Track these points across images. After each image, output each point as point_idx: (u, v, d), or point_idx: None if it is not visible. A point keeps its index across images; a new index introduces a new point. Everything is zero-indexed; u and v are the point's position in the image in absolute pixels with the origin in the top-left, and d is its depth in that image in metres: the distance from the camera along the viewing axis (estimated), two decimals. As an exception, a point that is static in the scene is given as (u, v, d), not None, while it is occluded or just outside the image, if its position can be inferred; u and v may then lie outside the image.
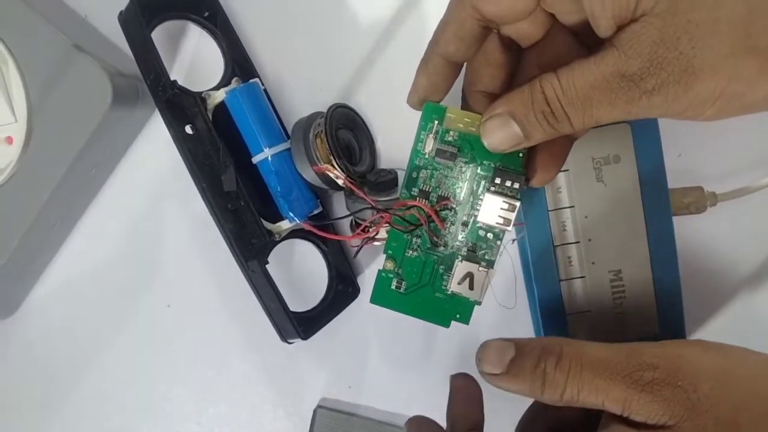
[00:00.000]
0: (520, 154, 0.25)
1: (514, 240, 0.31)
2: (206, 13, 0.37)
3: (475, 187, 0.26)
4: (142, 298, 0.42)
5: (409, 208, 0.26)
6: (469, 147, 0.25)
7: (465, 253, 0.26)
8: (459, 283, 0.26)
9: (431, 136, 0.25)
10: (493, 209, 0.25)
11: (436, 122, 0.25)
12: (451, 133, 0.25)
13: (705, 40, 0.19)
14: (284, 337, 0.37)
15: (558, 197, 0.28)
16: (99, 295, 0.42)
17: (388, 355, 0.40)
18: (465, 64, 0.26)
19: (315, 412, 0.40)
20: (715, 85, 0.20)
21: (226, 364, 0.41)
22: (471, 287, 0.26)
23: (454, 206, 0.26)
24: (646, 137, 0.27)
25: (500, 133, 0.23)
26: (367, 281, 0.40)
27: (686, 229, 0.32)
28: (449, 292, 0.27)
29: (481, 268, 0.26)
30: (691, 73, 0.20)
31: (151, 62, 0.33)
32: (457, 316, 0.27)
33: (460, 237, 0.26)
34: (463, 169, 0.26)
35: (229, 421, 0.42)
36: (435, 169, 0.26)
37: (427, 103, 0.25)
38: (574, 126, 0.22)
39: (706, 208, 0.32)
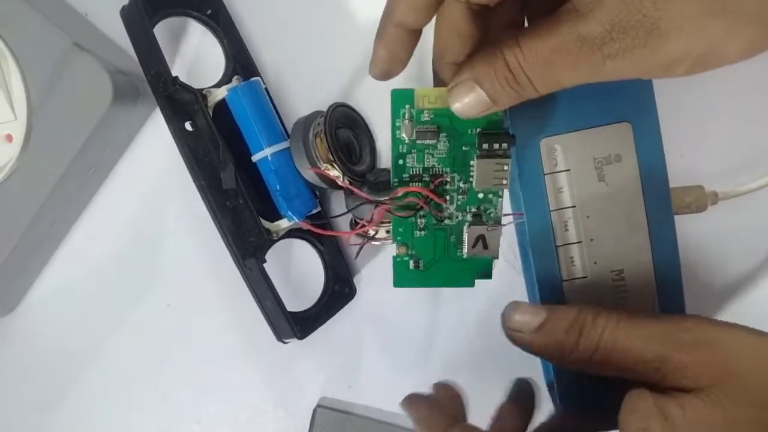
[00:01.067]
0: (501, 115, 0.25)
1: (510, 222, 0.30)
2: (209, 11, 0.37)
3: (464, 157, 0.26)
4: (142, 297, 0.42)
5: (405, 195, 0.26)
6: (447, 121, 0.25)
7: (471, 218, 0.27)
8: (473, 247, 0.26)
9: (406, 121, 0.25)
10: (486, 173, 0.25)
11: (408, 106, 0.25)
12: (426, 112, 0.25)
13: (670, 2, 0.19)
14: (280, 336, 0.36)
15: (559, 197, 0.28)
16: (98, 294, 0.42)
17: (388, 355, 0.40)
18: (434, 34, 0.25)
19: (315, 411, 0.40)
20: (683, 47, 0.19)
21: (226, 364, 0.41)
22: (485, 247, 0.26)
23: (448, 180, 0.26)
24: (647, 136, 0.26)
25: (467, 100, 0.23)
26: (364, 282, 0.40)
27: (686, 227, 0.32)
28: (465, 256, 0.27)
29: (490, 228, 0.26)
30: (657, 36, 0.19)
31: (152, 58, 0.33)
32: (479, 273, 0.27)
33: (460, 205, 0.27)
34: (448, 143, 0.26)
35: (229, 421, 0.42)
36: (420, 150, 0.26)
37: (393, 90, 0.25)
38: (539, 91, 0.22)
39: (707, 207, 0.32)
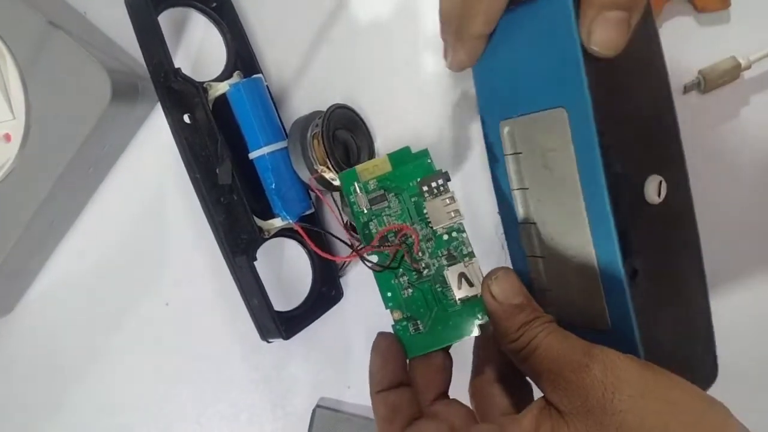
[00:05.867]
0: (429, 160, 0.28)
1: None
2: (213, 3, 0.37)
3: (416, 207, 0.28)
4: (140, 296, 0.41)
5: (383, 239, 0.28)
6: (389, 182, 0.28)
7: (446, 261, 0.28)
8: (459, 288, 0.27)
9: (359, 195, 0.28)
10: (438, 212, 0.27)
11: (355, 182, 0.28)
12: (371, 182, 0.28)
13: None
14: (264, 335, 0.36)
15: (517, 178, 0.28)
16: (97, 294, 0.42)
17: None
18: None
19: (314, 412, 0.40)
20: None
21: (225, 364, 0.41)
22: (470, 284, 0.27)
23: (409, 232, 0.28)
24: (581, 124, 0.25)
25: None
26: (351, 285, 0.40)
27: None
28: (458, 302, 0.28)
29: (466, 263, 0.27)
30: None
31: (155, 47, 0.33)
32: (479, 316, 0.27)
33: (431, 252, 0.28)
34: (397, 200, 0.28)
35: (229, 421, 0.42)
36: (377, 215, 0.28)
37: (339, 174, 0.29)
38: None
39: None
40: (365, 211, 0.28)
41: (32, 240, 0.39)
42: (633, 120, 0.26)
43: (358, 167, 0.28)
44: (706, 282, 0.29)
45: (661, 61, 0.27)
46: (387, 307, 0.28)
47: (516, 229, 0.29)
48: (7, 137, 0.36)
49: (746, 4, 0.34)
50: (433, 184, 0.27)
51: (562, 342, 0.23)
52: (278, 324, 0.35)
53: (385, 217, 0.28)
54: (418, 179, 0.28)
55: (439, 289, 0.28)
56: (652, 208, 0.26)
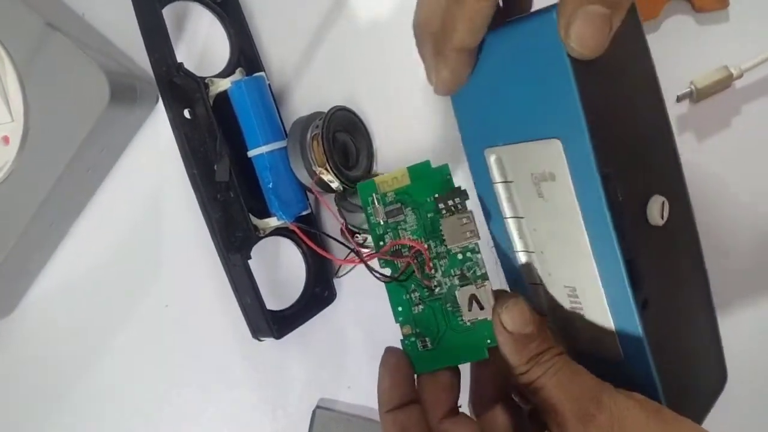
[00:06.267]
0: (448, 176, 0.27)
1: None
2: None
3: (432, 223, 0.28)
4: (140, 298, 0.42)
5: (394, 250, 0.28)
6: (407, 197, 0.28)
7: (458, 282, 0.27)
8: (469, 310, 0.27)
9: (377, 207, 0.28)
10: (454, 231, 0.27)
11: (374, 194, 0.28)
12: (388, 194, 0.28)
13: None
14: (256, 334, 0.36)
15: (510, 206, 0.27)
16: (96, 295, 0.42)
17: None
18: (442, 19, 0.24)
19: (314, 412, 0.40)
20: None
21: (225, 365, 0.41)
22: (481, 307, 0.27)
23: (424, 249, 0.28)
24: (578, 156, 0.23)
25: None
26: (344, 286, 0.40)
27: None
28: (468, 324, 0.27)
29: (478, 285, 0.27)
30: None
31: (158, 40, 0.33)
32: (488, 341, 0.27)
33: (444, 270, 0.28)
34: (414, 215, 0.28)
35: (229, 421, 0.42)
36: (393, 228, 0.28)
37: (358, 184, 0.28)
38: None
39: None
40: (381, 223, 0.28)
41: (32, 241, 0.39)
42: (630, 140, 0.25)
43: (377, 179, 0.28)
44: (711, 293, 0.28)
45: (652, 72, 0.26)
46: (397, 321, 0.28)
47: (511, 256, 0.28)
48: (6, 140, 0.36)
49: (745, 4, 0.34)
50: (450, 202, 0.27)
51: (570, 381, 0.23)
52: (270, 323, 0.35)
53: (400, 231, 0.28)
54: (436, 195, 0.27)
55: (449, 309, 0.28)
56: (657, 231, 0.25)
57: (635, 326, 0.24)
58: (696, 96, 0.34)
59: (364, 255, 0.29)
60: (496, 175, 0.27)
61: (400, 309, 0.28)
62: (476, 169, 0.27)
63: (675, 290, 0.26)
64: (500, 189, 0.27)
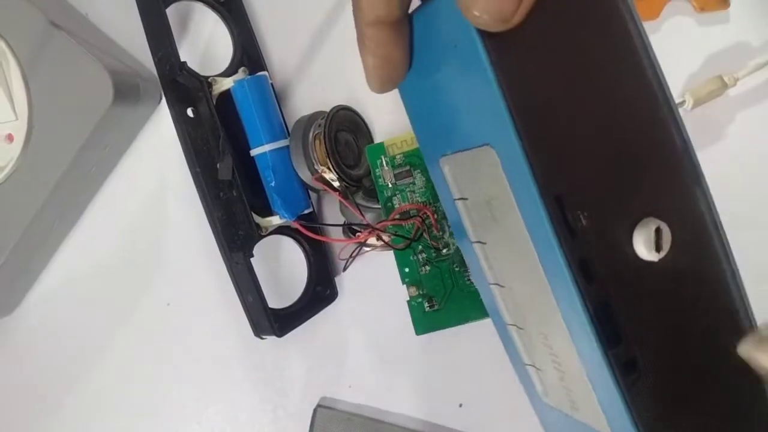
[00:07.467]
0: None
1: None
2: None
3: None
4: (142, 297, 0.42)
5: (403, 215, 0.28)
6: (416, 159, 0.28)
7: None
8: None
9: (386, 169, 0.28)
10: None
11: (382, 156, 0.28)
12: (398, 157, 0.28)
13: None
14: (258, 332, 0.36)
15: (473, 228, 0.21)
16: (98, 294, 0.42)
17: (388, 355, 0.40)
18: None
19: (315, 411, 0.40)
20: None
21: (225, 364, 0.41)
22: None
23: (431, 212, 0.28)
24: (513, 164, 0.17)
25: None
26: (346, 285, 0.40)
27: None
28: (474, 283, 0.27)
29: None
30: None
31: (162, 39, 0.33)
32: None
33: (452, 232, 0.27)
34: (423, 177, 0.28)
35: (229, 421, 0.42)
36: (401, 190, 0.28)
37: (367, 147, 0.28)
38: None
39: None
40: (390, 186, 0.28)
41: (34, 240, 0.39)
42: (600, 145, 0.17)
43: (387, 141, 0.28)
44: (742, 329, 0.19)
45: (636, 57, 0.18)
46: (403, 282, 0.28)
47: (485, 287, 0.23)
48: (10, 138, 0.36)
49: (746, 4, 0.34)
50: None
51: None
52: (272, 321, 0.35)
53: (408, 193, 0.28)
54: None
55: (456, 269, 0.27)
56: (651, 267, 0.18)
57: (614, 397, 0.17)
58: (691, 106, 0.34)
59: (376, 225, 0.28)
60: (454, 190, 0.22)
61: (407, 270, 0.28)
62: (438, 182, 0.22)
63: (687, 340, 0.18)
64: (460, 207, 0.21)
